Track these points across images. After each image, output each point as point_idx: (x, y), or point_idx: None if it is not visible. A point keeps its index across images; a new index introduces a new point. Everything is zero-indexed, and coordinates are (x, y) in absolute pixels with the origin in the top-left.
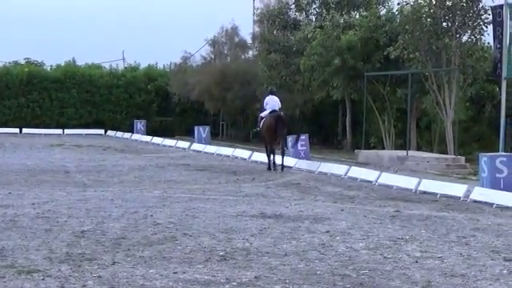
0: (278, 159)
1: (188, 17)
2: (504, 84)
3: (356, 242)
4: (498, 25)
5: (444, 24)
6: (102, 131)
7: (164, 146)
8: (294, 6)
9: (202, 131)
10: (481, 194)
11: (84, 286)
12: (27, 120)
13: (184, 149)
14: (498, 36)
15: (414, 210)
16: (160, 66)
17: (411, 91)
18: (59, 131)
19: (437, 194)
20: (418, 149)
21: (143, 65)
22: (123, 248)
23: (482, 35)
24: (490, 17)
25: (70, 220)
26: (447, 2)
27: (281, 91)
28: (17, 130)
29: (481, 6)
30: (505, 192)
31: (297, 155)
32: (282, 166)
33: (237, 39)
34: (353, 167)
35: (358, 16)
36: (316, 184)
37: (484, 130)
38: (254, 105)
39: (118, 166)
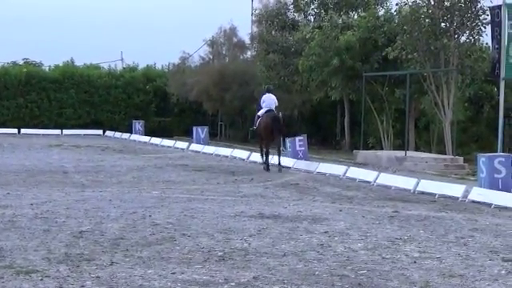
0: (275, 159)
1: (186, 17)
2: (502, 84)
3: (354, 242)
4: (496, 25)
5: (442, 24)
6: (100, 132)
7: (162, 146)
8: (292, 6)
9: (201, 131)
10: (479, 194)
11: (82, 286)
12: (26, 120)
13: (182, 149)
14: (497, 36)
15: (412, 210)
16: (158, 66)
17: (409, 92)
18: (57, 131)
19: (435, 194)
20: (417, 149)
21: (142, 65)
22: (122, 248)
23: (481, 36)
24: (489, 17)
25: (69, 220)
26: (445, 3)
27: (279, 91)
28: (15, 131)
29: (479, 6)
30: (503, 192)
31: (295, 155)
32: (280, 166)
33: (235, 40)
34: (351, 168)
35: (356, 16)
36: (314, 184)
37: (482, 130)
38: (253, 105)
39: (116, 166)
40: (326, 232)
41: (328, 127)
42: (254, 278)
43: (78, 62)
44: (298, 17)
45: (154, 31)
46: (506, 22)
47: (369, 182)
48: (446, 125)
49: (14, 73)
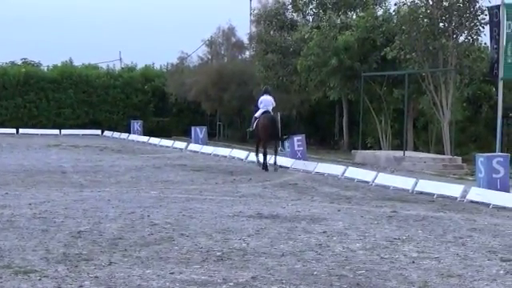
0: (272, 159)
1: (185, 17)
2: (501, 84)
3: (353, 242)
4: (494, 25)
5: (441, 24)
6: (98, 132)
7: (161, 146)
8: (290, 6)
9: (199, 132)
10: (477, 194)
11: (81, 286)
12: (24, 120)
13: (181, 149)
14: (495, 36)
15: (410, 210)
16: (157, 66)
17: (408, 92)
18: (56, 131)
19: (433, 194)
20: (415, 149)
21: (140, 65)
22: (120, 248)
23: (479, 36)
24: (487, 17)
25: (67, 220)
26: (444, 3)
27: (278, 91)
28: (14, 131)
29: (477, 6)
30: (501, 192)
31: (294, 155)
32: (276, 166)
33: (234, 40)
34: (350, 167)
35: (354, 16)
36: (313, 184)
37: (481, 130)
38: (251, 105)
39: (114, 166)
40: (324, 232)
41: (326, 127)
42: (252, 277)
43: (77, 62)
44: (297, 17)
45: (153, 31)
46: (504, 22)
47: (367, 182)
48: (444, 125)
49: (12, 73)
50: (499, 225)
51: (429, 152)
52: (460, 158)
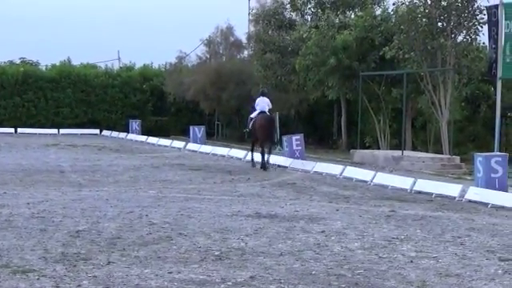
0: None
1: (183, 17)
2: (499, 84)
3: (351, 241)
4: (493, 25)
5: (439, 24)
6: (97, 131)
7: (159, 145)
8: (289, 5)
9: (198, 131)
10: (476, 193)
11: (79, 285)
12: (22, 120)
13: (179, 148)
14: (493, 36)
15: (409, 209)
16: (155, 65)
17: (406, 91)
18: (54, 131)
19: (432, 193)
20: (414, 149)
21: (138, 64)
22: (118, 248)
23: (478, 35)
24: (486, 17)
25: (65, 220)
26: (442, 2)
27: (276, 91)
28: (12, 130)
29: (476, 6)
30: (500, 192)
31: (292, 155)
32: (267, 164)
33: (232, 39)
34: (348, 167)
35: (353, 16)
36: (311, 184)
37: (479, 129)
38: (249, 105)
39: (113, 165)
40: (322, 231)
41: (325, 126)
42: (250, 277)
43: (75, 62)
44: (295, 16)
45: (151, 30)
46: (502, 22)
47: (366, 182)
48: (442, 124)
49: (10, 72)
50: (497, 224)
51: (427, 151)
52: (458, 157)
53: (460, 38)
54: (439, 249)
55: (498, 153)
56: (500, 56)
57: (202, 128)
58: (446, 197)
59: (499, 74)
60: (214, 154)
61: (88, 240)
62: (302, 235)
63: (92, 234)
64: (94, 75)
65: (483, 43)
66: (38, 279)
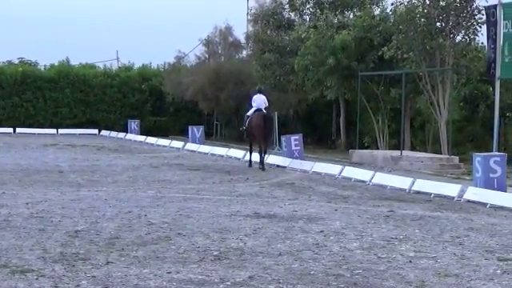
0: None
1: (182, 16)
2: (498, 84)
3: (350, 241)
4: (491, 25)
5: (438, 24)
6: (95, 131)
7: (158, 145)
8: (287, 5)
9: (196, 131)
10: (474, 193)
11: (78, 285)
12: (21, 120)
13: (178, 148)
14: (492, 36)
15: (407, 209)
16: (154, 65)
17: (405, 91)
18: (53, 131)
19: (431, 193)
20: (412, 149)
21: (137, 64)
22: (117, 248)
23: (476, 35)
24: (484, 17)
25: (64, 220)
26: (441, 2)
27: (275, 91)
28: (10, 130)
29: (475, 5)
30: (498, 192)
31: (291, 155)
32: (263, 164)
33: (231, 39)
34: (347, 167)
35: (351, 16)
36: (310, 184)
37: (478, 129)
38: (248, 104)
39: (111, 165)
40: (321, 231)
41: (324, 126)
42: (249, 277)
43: (74, 62)
44: (294, 16)
45: (150, 30)
46: (501, 22)
47: (364, 182)
48: (441, 124)
49: (9, 72)
50: (496, 224)
51: (426, 151)
52: (457, 157)
53: (459, 38)
54: (438, 249)
55: (497, 153)
56: (498, 56)
57: (201, 128)
58: (445, 197)
59: (498, 73)
60: (213, 154)
61: (87, 240)
62: (301, 235)
63: (91, 233)
64: (93, 75)
65: (482, 43)
66: (36, 279)
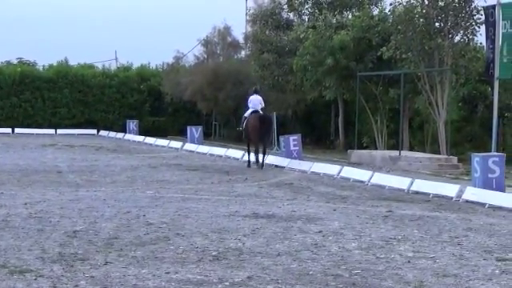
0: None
1: (180, 17)
2: (496, 84)
3: (348, 242)
4: (490, 25)
5: (436, 24)
6: (94, 131)
7: (157, 146)
8: (286, 6)
9: (195, 131)
10: (473, 194)
11: (76, 286)
12: (19, 120)
13: (177, 149)
14: (491, 36)
15: (406, 210)
16: (153, 65)
17: (404, 91)
18: (52, 131)
19: (429, 194)
20: (411, 149)
21: (136, 65)
22: (116, 248)
23: (475, 35)
24: (483, 17)
25: (63, 220)
26: (440, 3)
27: (273, 91)
28: (9, 130)
29: (473, 6)
30: (497, 192)
31: (289, 155)
32: (262, 164)
33: (229, 39)
34: (345, 167)
35: (350, 16)
36: (309, 184)
37: (476, 130)
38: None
39: (110, 166)
40: (320, 232)
41: (322, 127)
42: (248, 277)
43: (72, 62)
44: (292, 16)
45: (149, 31)
46: (500, 22)
47: (363, 182)
48: (440, 124)
49: (7, 72)
50: (495, 224)
51: (424, 152)
52: (456, 157)
53: (457, 38)
54: (436, 249)
55: (496, 153)
56: (497, 56)
57: (200, 128)
58: (444, 197)
59: (496, 74)
60: (212, 155)
61: (85, 240)
62: (300, 235)
63: (89, 234)
64: (92, 75)
65: (480, 43)
66: (35, 279)
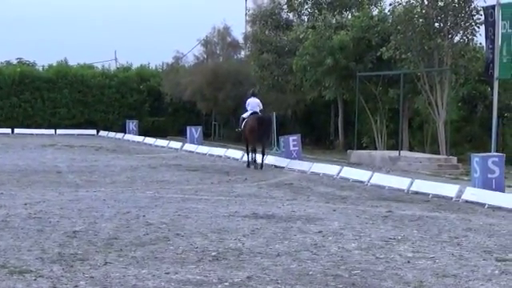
0: (258, 158)
1: (180, 17)
2: (496, 84)
3: (348, 242)
4: (490, 25)
5: (436, 24)
6: (94, 131)
7: (156, 146)
8: (286, 6)
9: (195, 131)
10: (473, 194)
11: (76, 286)
12: (19, 120)
13: (176, 149)
14: (490, 36)
15: (406, 210)
16: (152, 66)
17: (403, 91)
18: (51, 131)
19: (429, 194)
20: (410, 149)
21: (135, 65)
22: (115, 248)
23: (474, 35)
24: (482, 17)
25: (62, 220)
26: (439, 3)
27: (273, 91)
28: (9, 131)
29: (473, 6)
30: (496, 192)
31: (289, 155)
32: (262, 165)
33: (229, 39)
34: (345, 167)
35: (350, 16)
36: (308, 184)
37: (476, 130)
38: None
39: (110, 166)
40: (319, 232)
41: (322, 127)
42: (247, 277)
43: (72, 62)
44: (292, 17)
45: (148, 31)
46: (499, 22)
47: (363, 182)
48: (439, 124)
49: (7, 72)
50: (494, 225)
51: (424, 152)
52: (455, 157)
53: (457, 39)
54: (436, 249)
55: (495, 153)
56: (497, 56)
57: (199, 128)
58: (443, 197)
59: (496, 74)
60: (211, 155)
61: (85, 240)
62: (299, 236)
63: (89, 234)
64: (91, 76)
65: (480, 43)
66: (35, 280)
